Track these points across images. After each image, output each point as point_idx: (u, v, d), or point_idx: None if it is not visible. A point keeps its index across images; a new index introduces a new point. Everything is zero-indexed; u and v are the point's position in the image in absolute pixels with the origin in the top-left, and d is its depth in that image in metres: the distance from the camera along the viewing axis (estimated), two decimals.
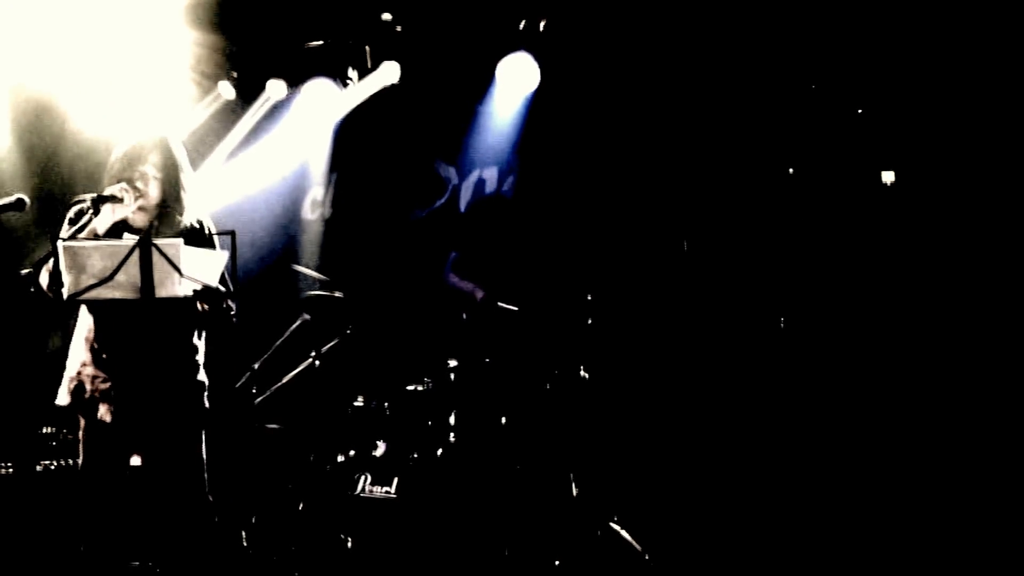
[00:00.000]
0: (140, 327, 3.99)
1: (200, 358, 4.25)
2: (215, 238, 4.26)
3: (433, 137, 7.73)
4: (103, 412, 4.03)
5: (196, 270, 3.83)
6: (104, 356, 4.06)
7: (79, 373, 4.10)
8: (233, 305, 4.18)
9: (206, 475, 4.19)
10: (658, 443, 6.43)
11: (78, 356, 4.13)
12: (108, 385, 4.05)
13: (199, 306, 4.04)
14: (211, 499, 4.20)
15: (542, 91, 7.02)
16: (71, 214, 4.03)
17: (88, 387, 4.07)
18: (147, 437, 4.08)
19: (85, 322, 4.14)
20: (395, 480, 5.49)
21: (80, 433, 4.12)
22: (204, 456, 4.20)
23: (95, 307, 4.07)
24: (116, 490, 4.06)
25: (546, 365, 5.76)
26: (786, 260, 6.51)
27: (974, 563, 5.08)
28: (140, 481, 4.10)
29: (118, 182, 4.00)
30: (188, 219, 4.18)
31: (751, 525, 5.72)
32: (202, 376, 4.24)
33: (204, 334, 4.27)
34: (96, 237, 3.90)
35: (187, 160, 4.26)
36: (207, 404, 4.25)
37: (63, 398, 4.13)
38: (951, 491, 5.59)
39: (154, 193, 4.11)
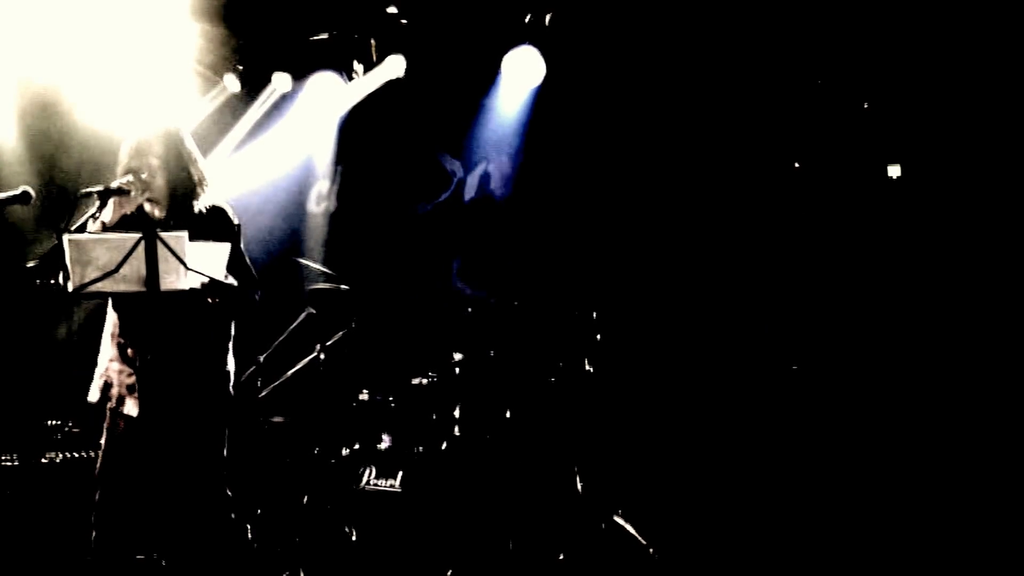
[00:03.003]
0: (163, 320, 3.99)
1: (230, 345, 4.26)
2: (235, 225, 4.21)
3: (438, 131, 7.72)
4: (130, 406, 4.04)
5: (202, 263, 3.82)
6: (129, 351, 4.08)
7: (107, 370, 4.13)
8: (258, 295, 4.20)
9: (225, 471, 4.20)
10: (663, 437, 6.43)
11: (106, 353, 4.15)
12: (133, 379, 4.06)
13: (209, 300, 4.02)
14: (229, 493, 4.21)
15: (547, 85, 7.02)
16: (92, 209, 4.01)
17: (116, 382, 4.09)
18: (171, 431, 4.07)
19: (111, 319, 4.15)
20: (400, 473, 5.51)
21: (104, 424, 4.13)
22: (225, 451, 4.20)
23: (119, 302, 4.09)
24: (135, 486, 4.06)
25: (551, 359, 5.76)
26: (792, 253, 6.50)
27: (973, 561, 5.07)
28: (158, 474, 4.09)
29: (126, 174, 4.01)
30: (199, 207, 4.16)
31: (756, 519, 5.72)
32: (230, 365, 4.26)
33: (232, 323, 4.26)
34: (105, 229, 3.91)
35: (197, 150, 4.26)
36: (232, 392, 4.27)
37: (94, 394, 4.15)
38: (957, 484, 5.58)
39: (160, 184, 4.10)
